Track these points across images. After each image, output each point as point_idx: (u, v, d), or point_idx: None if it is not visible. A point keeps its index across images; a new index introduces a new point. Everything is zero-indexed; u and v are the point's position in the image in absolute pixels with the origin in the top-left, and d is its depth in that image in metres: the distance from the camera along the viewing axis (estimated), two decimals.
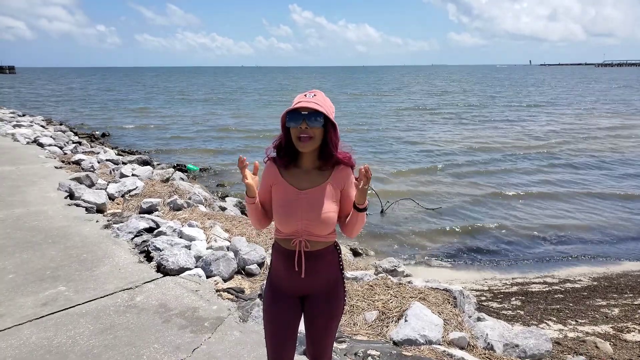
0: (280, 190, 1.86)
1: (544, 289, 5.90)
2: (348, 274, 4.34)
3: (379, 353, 2.99)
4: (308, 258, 1.85)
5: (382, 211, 8.89)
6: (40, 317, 3.24)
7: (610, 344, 4.34)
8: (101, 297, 3.55)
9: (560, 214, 9.13)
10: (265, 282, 2.12)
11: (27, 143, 10.87)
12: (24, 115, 18.72)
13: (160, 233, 4.87)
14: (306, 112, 1.70)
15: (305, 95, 1.77)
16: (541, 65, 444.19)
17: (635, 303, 5.44)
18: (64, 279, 3.82)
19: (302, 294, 1.94)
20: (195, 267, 4.19)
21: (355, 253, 6.80)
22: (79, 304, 3.43)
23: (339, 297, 1.96)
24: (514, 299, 5.57)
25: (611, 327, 4.84)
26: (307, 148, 1.75)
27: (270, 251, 2.37)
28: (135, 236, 4.85)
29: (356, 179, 1.74)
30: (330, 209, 1.82)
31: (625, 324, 4.91)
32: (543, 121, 23.10)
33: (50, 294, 3.58)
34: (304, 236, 1.83)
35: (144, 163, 10.60)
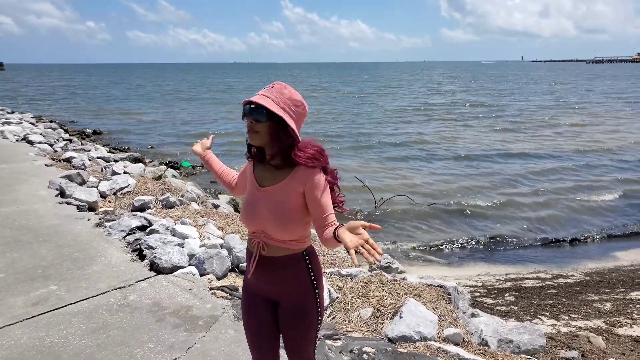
0: (248, 184, 1.83)
1: (537, 285, 5.94)
2: (342, 271, 4.33)
3: (374, 350, 2.98)
4: (266, 263, 1.74)
5: (375, 207, 8.89)
6: (31, 317, 3.19)
7: (602, 339, 4.38)
8: (93, 296, 3.50)
9: (555, 209, 9.20)
10: None
11: (17, 140, 10.70)
12: (12, 112, 18.45)
13: (153, 231, 4.82)
14: (252, 106, 1.62)
15: (265, 87, 1.68)
16: (533, 61, 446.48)
17: (627, 297, 5.50)
18: (56, 278, 3.77)
19: (271, 298, 1.83)
20: (189, 265, 4.15)
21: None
22: (71, 304, 3.39)
23: (310, 310, 1.79)
24: (507, 294, 5.60)
25: (603, 322, 4.89)
26: (254, 141, 1.69)
27: None
28: (128, 234, 4.80)
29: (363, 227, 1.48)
30: (287, 212, 1.67)
31: (617, 319, 4.96)
32: (525, 111, 23.28)
33: (41, 293, 3.53)
34: (262, 237, 1.73)
35: (136, 160, 10.51)
